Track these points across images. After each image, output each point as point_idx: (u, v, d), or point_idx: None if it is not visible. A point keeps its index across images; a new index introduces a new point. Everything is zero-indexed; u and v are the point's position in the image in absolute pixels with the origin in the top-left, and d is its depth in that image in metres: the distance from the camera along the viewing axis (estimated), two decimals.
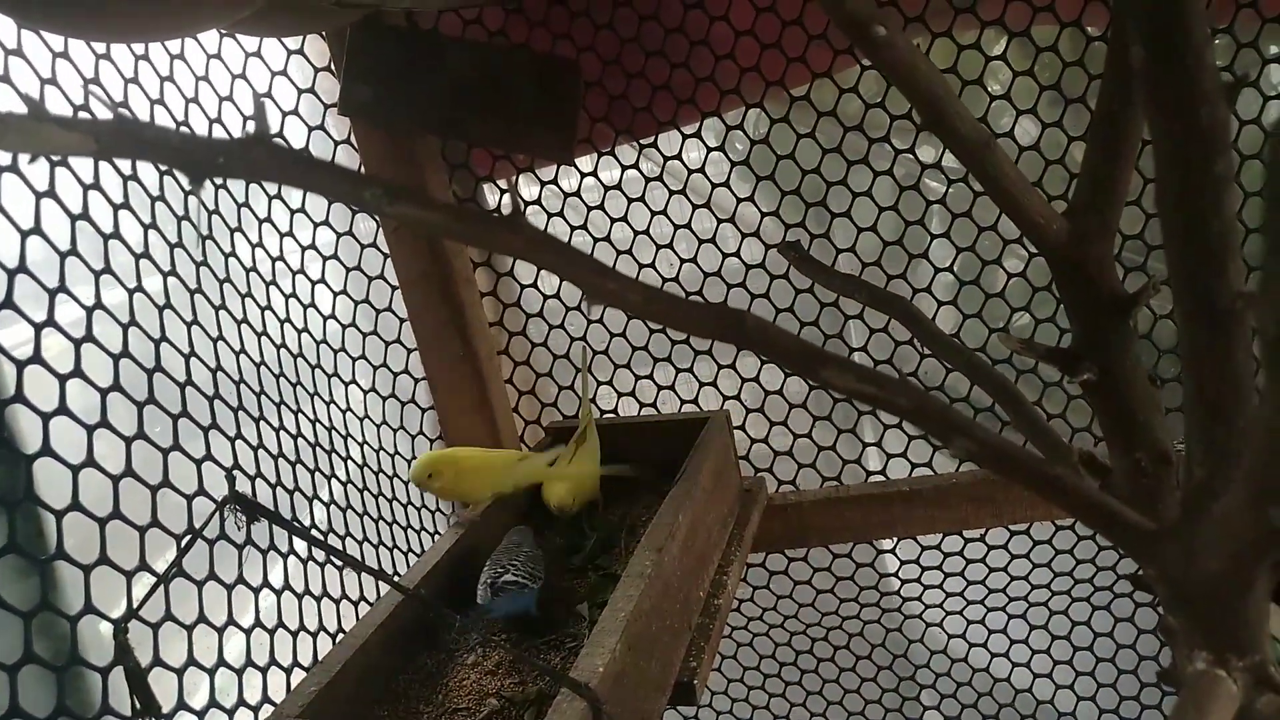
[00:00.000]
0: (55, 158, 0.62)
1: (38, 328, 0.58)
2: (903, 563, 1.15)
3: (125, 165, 0.70)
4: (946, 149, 1.00)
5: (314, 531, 0.82)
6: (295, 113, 0.94)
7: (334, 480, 0.88)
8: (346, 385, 0.94)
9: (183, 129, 0.79)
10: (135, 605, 0.57)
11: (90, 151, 0.31)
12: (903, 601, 1.17)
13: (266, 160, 0.32)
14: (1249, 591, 0.34)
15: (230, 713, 0.67)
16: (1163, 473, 0.50)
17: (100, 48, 0.70)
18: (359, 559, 0.60)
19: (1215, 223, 0.29)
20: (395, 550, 0.95)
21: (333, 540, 0.85)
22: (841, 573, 1.14)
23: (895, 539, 1.12)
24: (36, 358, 0.57)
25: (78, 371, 0.60)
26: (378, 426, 0.97)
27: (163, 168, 0.75)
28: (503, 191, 1.08)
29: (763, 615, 1.19)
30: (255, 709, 0.70)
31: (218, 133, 0.83)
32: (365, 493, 0.92)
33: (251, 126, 0.33)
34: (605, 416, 1.12)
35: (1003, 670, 1.20)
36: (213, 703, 0.65)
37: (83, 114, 0.65)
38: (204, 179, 0.32)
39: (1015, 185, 0.49)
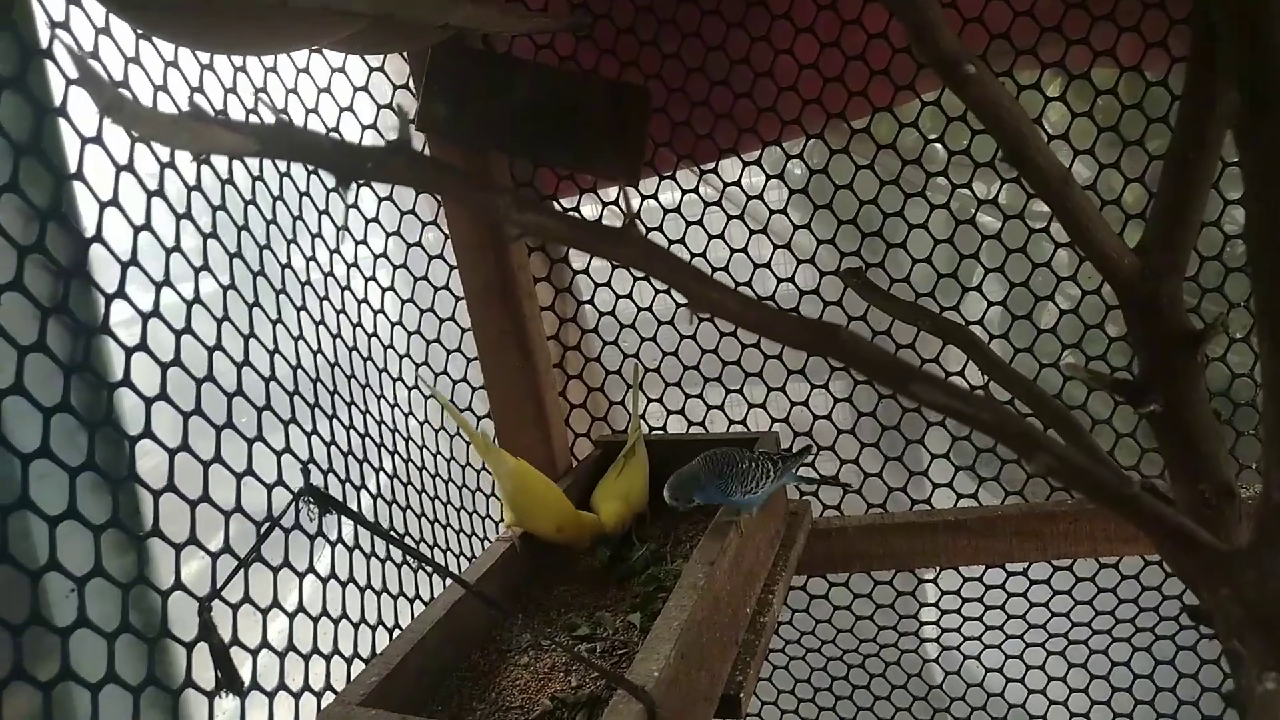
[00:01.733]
0: (165, 158, 0.66)
1: (145, 317, 0.61)
2: (944, 593, 1.15)
3: (223, 167, 0.74)
4: (1009, 186, 1.03)
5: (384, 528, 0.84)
6: (374, 126, 0.98)
7: (395, 480, 0.90)
8: (410, 390, 0.97)
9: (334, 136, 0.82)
10: (219, 585, 0.60)
11: (252, 152, 0.34)
12: (941, 632, 1.17)
13: (409, 167, 0.35)
14: None
15: (296, 696, 0.70)
16: (1226, 504, 0.51)
17: (205, 59, 0.74)
18: (423, 555, 0.62)
19: None
20: (448, 552, 0.97)
21: (400, 539, 0.87)
22: (882, 600, 1.15)
23: (938, 568, 1.13)
24: (143, 345, 0.60)
25: (177, 360, 0.63)
26: (436, 431, 1.00)
27: (255, 171, 0.79)
28: (610, 204, 1.11)
29: (801, 639, 1.20)
30: (318, 694, 0.72)
31: None
32: (422, 494, 0.94)
33: (394, 135, 0.36)
34: (654, 433, 1.14)
35: (1039, 708, 1.19)
36: (281, 685, 0.68)
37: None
38: (350, 181, 0.35)
39: (1092, 221, 0.51)
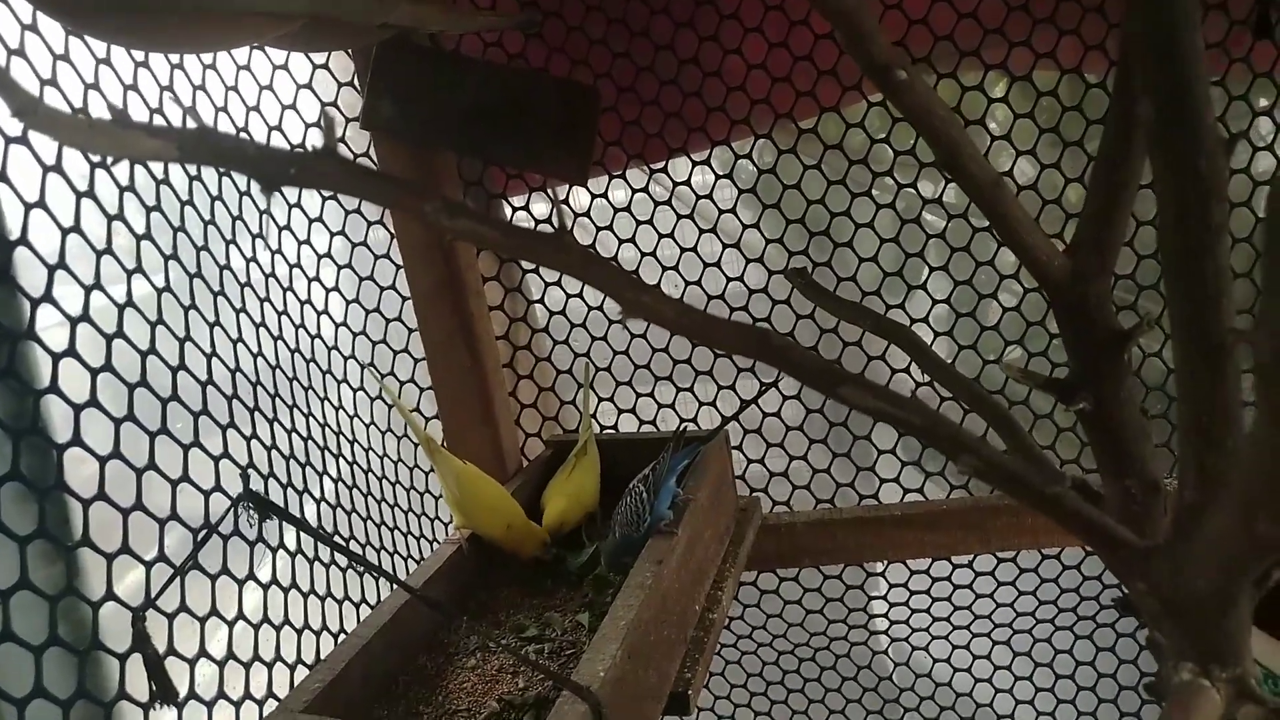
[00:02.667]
0: (95, 159, 0.64)
1: (73, 321, 0.60)
2: (892, 586, 1.17)
3: (158, 168, 0.72)
4: (953, 185, 1.04)
5: (322, 532, 0.83)
6: (318, 124, 0.97)
7: (340, 484, 0.89)
8: (355, 391, 0.96)
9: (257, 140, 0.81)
10: (154, 595, 0.58)
11: (172, 157, 0.34)
12: (890, 624, 1.19)
13: (335, 172, 0.34)
14: (1233, 607, 0.36)
15: (237, 705, 0.69)
16: (1151, 500, 0.52)
17: (139, 56, 0.72)
18: (365, 559, 0.61)
19: (1210, 265, 0.32)
20: (395, 555, 0.96)
21: (339, 542, 0.86)
22: (831, 594, 1.16)
23: (885, 562, 1.15)
24: (71, 351, 0.59)
25: (108, 366, 0.62)
26: (383, 433, 0.99)
27: (191, 171, 0.77)
28: (514, 210, 1.10)
29: (752, 634, 1.21)
30: (260, 702, 0.71)
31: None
32: (369, 497, 0.93)
33: (320, 140, 0.36)
34: (605, 432, 1.14)
35: (985, 696, 1.22)
36: (221, 694, 0.67)
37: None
38: (276, 188, 0.34)
39: (1021, 224, 0.52)
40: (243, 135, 0.77)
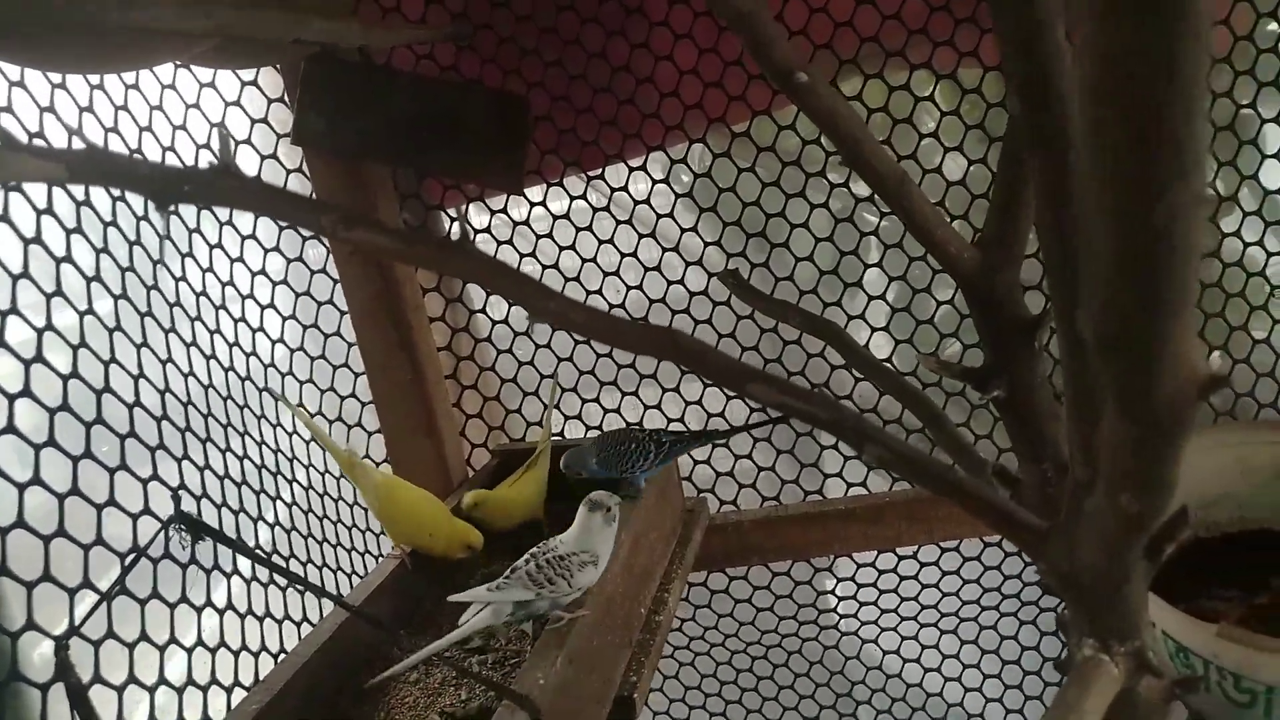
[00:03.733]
0: (10, 184, 0.63)
1: None
2: (839, 580, 1.18)
3: (79, 190, 0.71)
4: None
5: (258, 552, 0.82)
6: (248, 142, 0.96)
7: (279, 502, 0.88)
8: (293, 408, 0.94)
9: (150, 159, 0.80)
10: (78, 622, 0.57)
11: (61, 179, 0.33)
12: (840, 618, 1.21)
13: (231, 189, 0.34)
14: (1127, 583, 0.37)
15: None
16: (1063, 482, 0.54)
17: (56, 77, 0.71)
18: (302, 578, 0.61)
19: (1080, 248, 0.33)
20: (339, 572, 0.95)
21: (276, 561, 0.85)
22: (780, 591, 1.17)
23: (832, 557, 1.16)
24: None
25: (26, 391, 0.61)
26: (324, 449, 0.98)
27: (115, 193, 0.76)
28: (453, 220, 1.10)
29: (704, 634, 1.21)
30: None
31: (171, 161, 0.84)
32: (310, 514, 0.93)
33: (216, 158, 0.36)
34: (552, 438, 1.14)
35: (935, 685, 1.24)
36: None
37: (39, 141, 0.66)
38: (171, 206, 0.34)
39: (929, 219, 0.53)
40: (135, 155, 0.76)
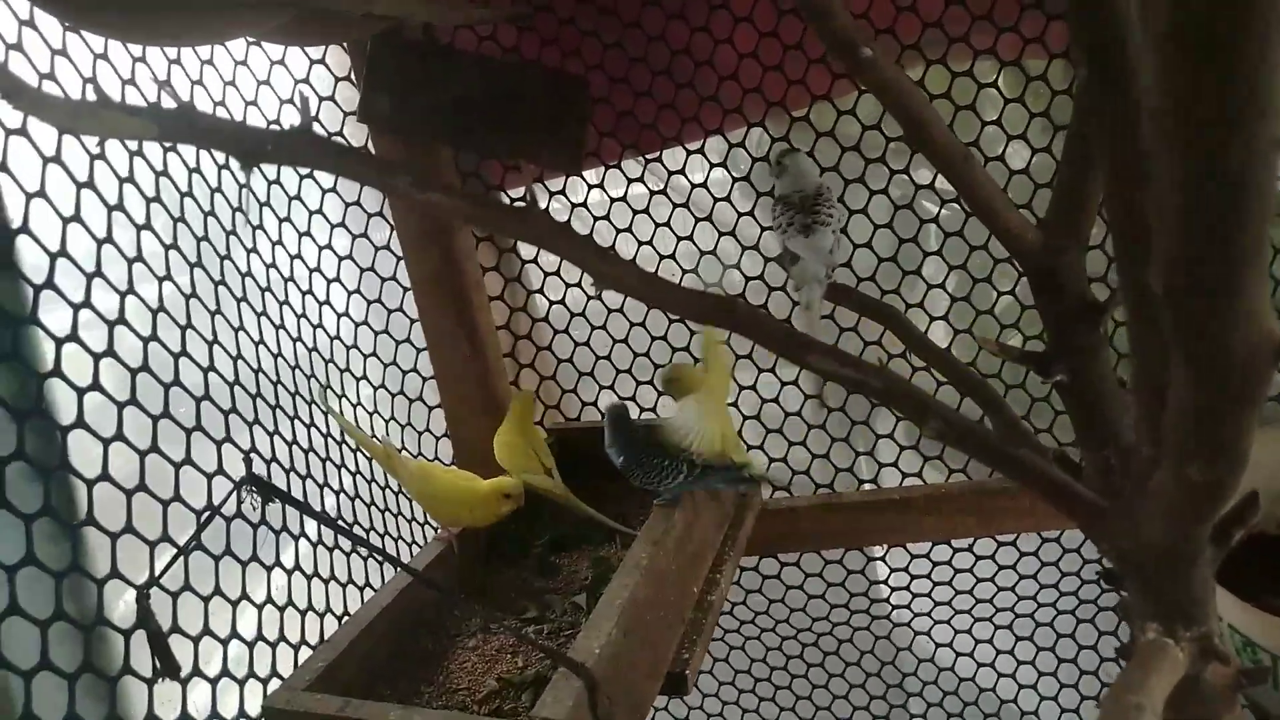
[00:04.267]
0: (96, 150, 0.66)
1: (75, 308, 0.61)
2: (893, 570, 1.18)
3: (157, 161, 0.74)
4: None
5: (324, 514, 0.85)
6: (316, 119, 0.98)
7: (343, 470, 0.91)
8: (358, 380, 0.97)
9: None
10: (158, 574, 0.60)
11: (152, 136, 0.35)
12: (892, 609, 1.20)
13: (310, 149, 0.36)
14: (1193, 565, 0.37)
15: (241, 683, 0.70)
16: (1127, 466, 0.53)
17: (137, 50, 0.74)
18: (367, 541, 0.63)
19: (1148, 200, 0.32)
20: (399, 540, 0.98)
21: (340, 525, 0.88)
22: (833, 578, 1.17)
23: (886, 546, 1.15)
24: (74, 336, 0.61)
25: (110, 351, 0.64)
26: (386, 421, 1.01)
27: (191, 164, 0.79)
28: (525, 190, 1.12)
29: (755, 619, 1.22)
30: (264, 681, 0.73)
31: None
32: (373, 483, 0.95)
33: (297, 119, 0.37)
34: None
35: (988, 680, 1.22)
36: (225, 672, 0.69)
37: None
38: (254, 164, 0.36)
39: (992, 197, 0.53)
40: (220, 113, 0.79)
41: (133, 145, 0.69)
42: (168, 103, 0.35)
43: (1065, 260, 0.54)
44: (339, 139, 0.98)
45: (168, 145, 0.71)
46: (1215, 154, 0.19)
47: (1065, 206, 0.54)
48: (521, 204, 0.39)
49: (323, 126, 0.99)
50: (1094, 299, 0.55)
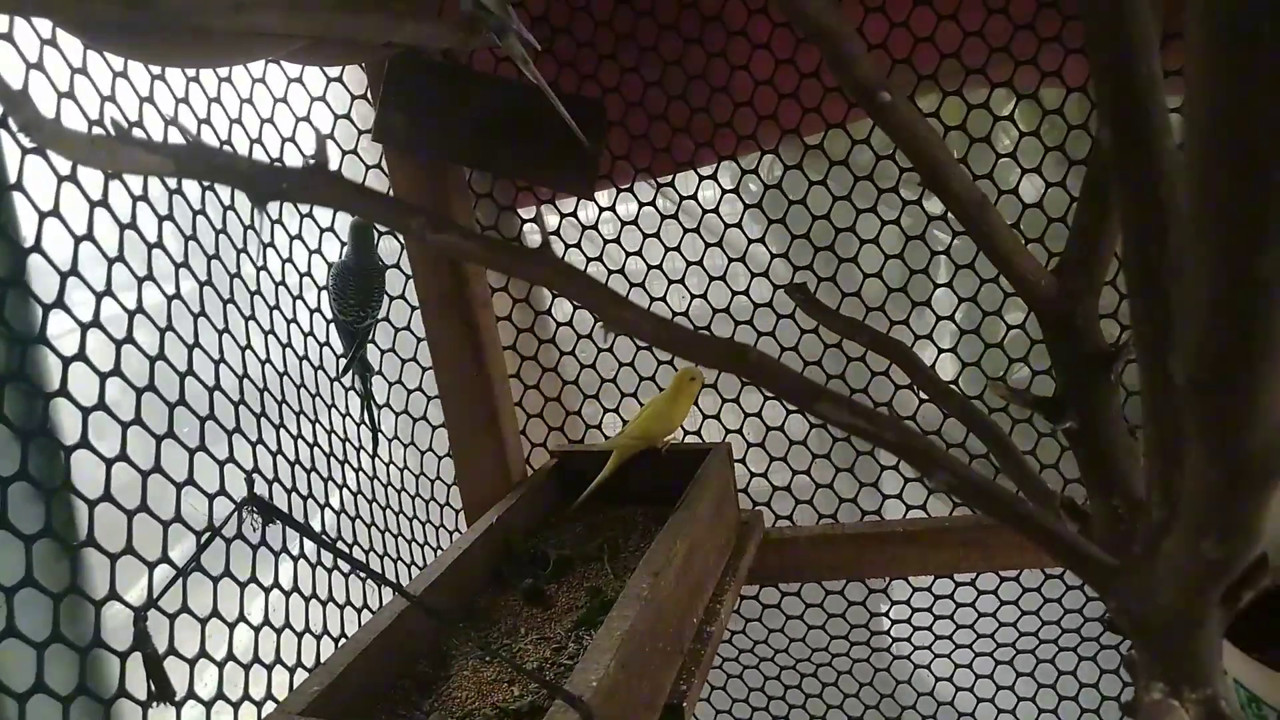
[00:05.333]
0: (119, 173, 0.66)
1: (84, 327, 0.61)
2: (894, 603, 1.17)
3: (171, 180, 0.74)
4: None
5: (324, 538, 0.85)
6: (331, 137, 0.99)
7: (344, 489, 0.91)
8: (362, 398, 0.97)
9: (246, 155, 0.83)
10: (156, 595, 0.60)
11: (168, 172, 0.35)
12: (892, 641, 1.19)
13: (325, 188, 0.35)
14: (1201, 627, 0.36)
15: (235, 705, 0.70)
16: (1137, 519, 0.53)
17: (156, 69, 0.75)
18: (365, 565, 0.62)
19: (1174, 289, 0.32)
20: (399, 561, 0.97)
21: (340, 548, 0.87)
22: (833, 609, 1.16)
23: (888, 578, 1.15)
24: (81, 355, 0.61)
25: (117, 370, 0.64)
26: (389, 440, 1.01)
27: (204, 184, 0.79)
28: (526, 222, 1.12)
29: (754, 648, 1.21)
30: (259, 704, 0.72)
31: (258, 153, 0.87)
32: (374, 504, 0.95)
33: (309, 156, 0.37)
34: (610, 442, 1.15)
35: (988, 716, 1.21)
36: (220, 695, 0.68)
37: (138, 131, 0.69)
38: (267, 202, 0.36)
39: (1007, 243, 0.53)
40: (229, 149, 0.79)
41: None
42: (177, 137, 0.35)
43: (1080, 308, 0.53)
44: (351, 179, 0.99)
45: None
46: (1246, 263, 0.19)
47: (1081, 253, 0.54)
48: (533, 226, 0.39)
49: (337, 145, 0.99)
50: (1107, 347, 0.54)
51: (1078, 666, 1.16)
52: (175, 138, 0.71)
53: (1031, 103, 1.01)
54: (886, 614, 1.18)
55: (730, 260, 1.09)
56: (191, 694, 0.65)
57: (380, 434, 0.98)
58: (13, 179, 0.58)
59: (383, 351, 1.02)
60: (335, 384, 0.94)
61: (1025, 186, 1.05)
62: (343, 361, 0.95)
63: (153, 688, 0.57)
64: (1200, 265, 0.20)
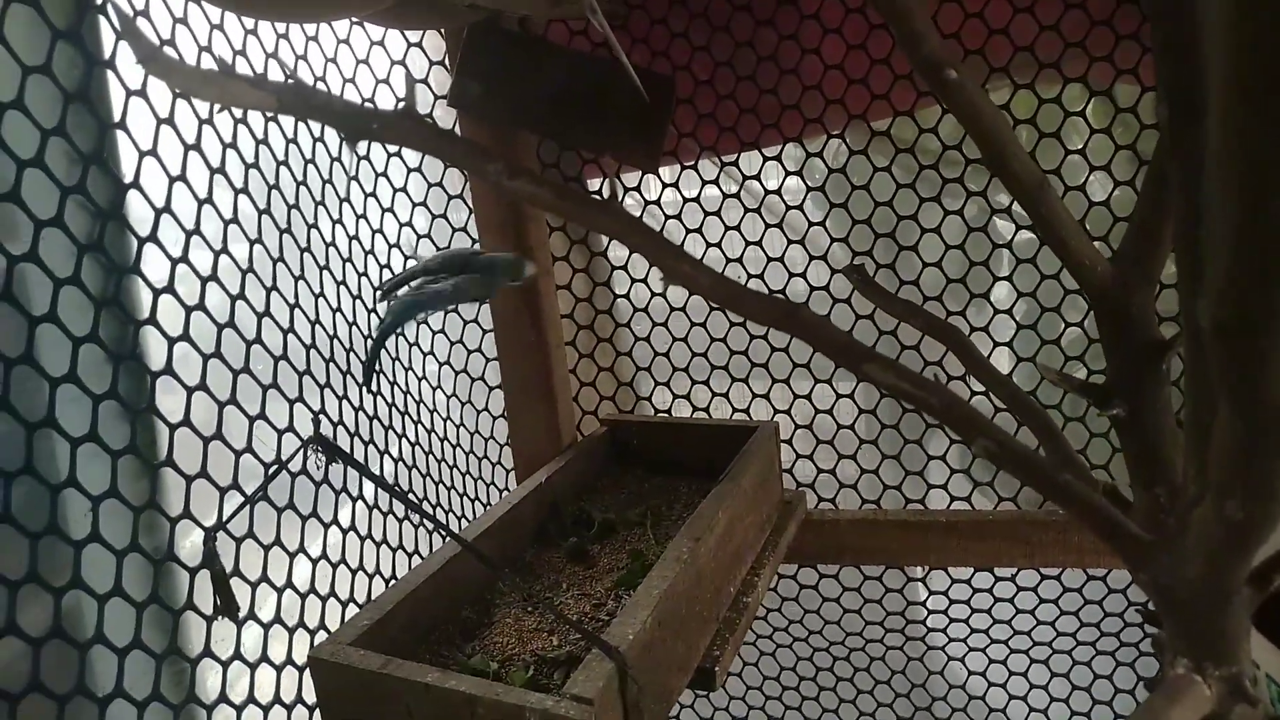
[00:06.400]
0: (204, 115, 0.70)
1: (174, 262, 0.65)
2: (932, 593, 1.17)
3: (259, 129, 0.78)
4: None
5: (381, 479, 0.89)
6: (408, 100, 1.02)
7: (404, 440, 0.94)
8: (425, 355, 1.01)
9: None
10: (225, 518, 0.64)
11: (271, 107, 0.38)
12: (928, 631, 1.19)
13: (413, 130, 0.38)
14: (1228, 603, 0.37)
15: (291, 631, 0.74)
16: (1176, 506, 0.53)
17: (249, 23, 0.78)
18: (420, 508, 0.65)
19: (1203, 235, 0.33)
20: (450, 513, 1.01)
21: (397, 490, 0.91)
22: (871, 595, 1.17)
23: (927, 568, 1.15)
24: (170, 288, 0.65)
25: (201, 305, 0.67)
26: (448, 397, 1.04)
27: (289, 135, 0.83)
28: (605, 179, 1.14)
29: (789, 627, 1.22)
30: (313, 632, 0.76)
31: None
32: (430, 456, 0.98)
33: (391, 99, 0.39)
34: (659, 416, 1.17)
35: (1019, 714, 1.21)
36: (277, 619, 0.72)
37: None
38: (359, 140, 0.38)
39: (1065, 227, 0.53)
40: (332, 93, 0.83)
41: (238, 113, 0.73)
42: (278, 75, 0.38)
43: (1135, 297, 0.53)
44: (437, 123, 1.02)
45: (269, 115, 0.74)
46: (1264, 199, 0.20)
47: (1140, 242, 0.54)
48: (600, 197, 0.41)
49: (430, 89, 1.03)
50: (1160, 337, 0.55)
51: (1114, 671, 1.15)
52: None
53: (1104, 100, 1.00)
54: (924, 603, 1.18)
55: (790, 242, 1.10)
56: (252, 615, 0.69)
57: (379, 376, 0.93)
58: (116, 118, 0.62)
59: (446, 313, 1.05)
60: (400, 338, 0.97)
61: (1093, 184, 1.04)
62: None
63: (219, 603, 0.60)
64: (1224, 204, 0.21)
